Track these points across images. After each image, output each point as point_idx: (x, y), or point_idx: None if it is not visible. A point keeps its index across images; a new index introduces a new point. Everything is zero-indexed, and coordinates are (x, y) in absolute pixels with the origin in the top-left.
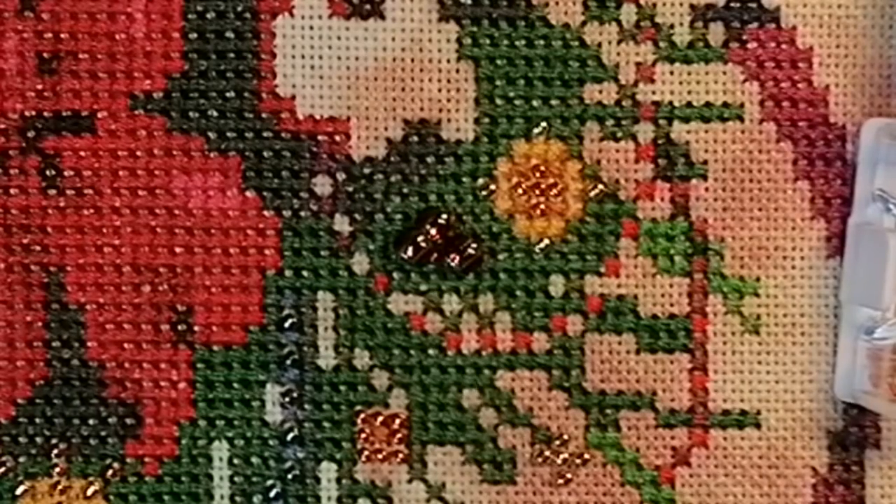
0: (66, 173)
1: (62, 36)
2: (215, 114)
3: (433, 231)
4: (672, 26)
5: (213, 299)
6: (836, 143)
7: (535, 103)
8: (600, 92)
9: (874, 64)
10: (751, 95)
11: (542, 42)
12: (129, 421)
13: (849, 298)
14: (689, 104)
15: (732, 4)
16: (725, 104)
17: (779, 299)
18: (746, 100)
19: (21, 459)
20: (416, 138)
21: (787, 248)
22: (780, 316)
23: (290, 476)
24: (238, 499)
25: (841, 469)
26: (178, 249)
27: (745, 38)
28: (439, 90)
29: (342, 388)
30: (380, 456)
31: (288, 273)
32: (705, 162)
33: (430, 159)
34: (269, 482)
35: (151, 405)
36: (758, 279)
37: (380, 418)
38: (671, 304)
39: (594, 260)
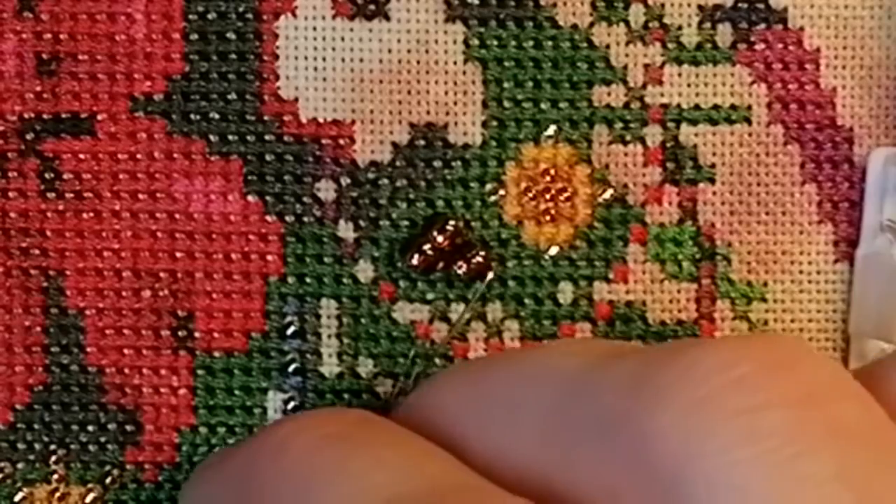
0: (65, 176)
1: (61, 37)
2: (217, 116)
3: (440, 238)
4: (680, 27)
5: (214, 305)
6: (843, 146)
7: (543, 106)
8: (609, 94)
9: (882, 65)
10: (758, 97)
11: (550, 43)
12: (128, 427)
13: (858, 331)
14: (696, 106)
15: (740, 5)
16: (733, 106)
17: (786, 304)
18: (754, 102)
19: (19, 465)
20: (422, 142)
21: (795, 253)
22: (788, 321)
23: None
24: None
25: None
26: (178, 254)
27: (752, 39)
28: (446, 93)
29: (345, 395)
30: None
31: (291, 279)
32: (713, 165)
33: (436, 164)
34: None
35: (151, 411)
36: (765, 284)
37: None
38: (679, 311)
39: (603, 266)
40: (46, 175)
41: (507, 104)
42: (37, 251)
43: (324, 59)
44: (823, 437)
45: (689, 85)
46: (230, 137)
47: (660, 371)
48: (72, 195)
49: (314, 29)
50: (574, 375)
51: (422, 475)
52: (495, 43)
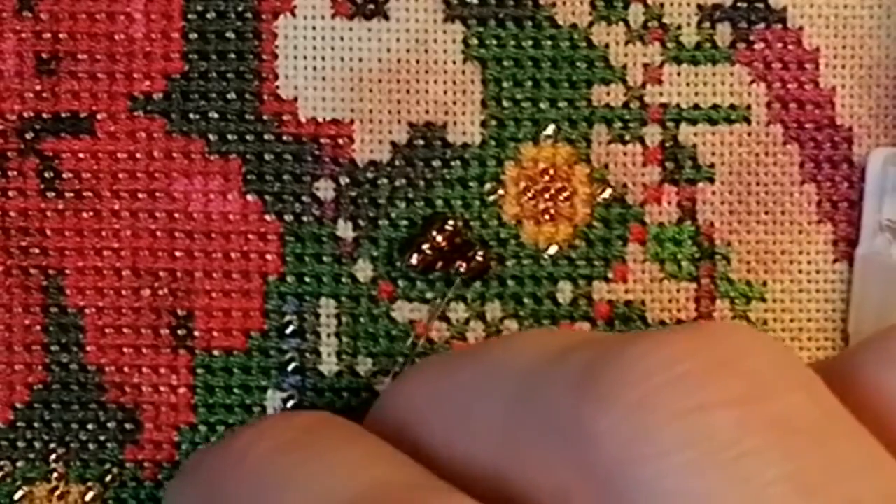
0: (64, 175)
1: (61, 36)
2: (216, 116)
3: (439, 238)
4: (679, 27)
5: (213, 304)
6: (842, 146)
7: (542, 105)
8: (608, 94)
9: (881, 65)
10: (757, 97)
11: (549, 43)
12: (128, 426)
13: (857, 331)
14: (696, 106)
15: (739, 4)
16: (732, 106)
17: (786, 304)
18: (753, 101)
19: (19, 464)
20: (421, 142)
21: (794, 252)
22: (787, 321)
23: None
24: None
25: None
26: (178, 253)
27: (751, 38)
28: (445, 92)
29: (344, 394)
30: None
31: (290, 279)
32: (712, 165)
33: (435, 163)
34: None
35: (151, 410)
36: (764, 284)
37: None
38: (678, 310)
39: (602, 266)
40: (46, 174)
41: (506, 104)
42: (36, 250)
43: (323, 59)
44: (768, 435)
45: (688, 84)
46: (229, 137)
47: (602, 370)
48: (71, 194)
49: (313, 28)
50: (526, 374)
51: (367, 476)
52: (494, 42)
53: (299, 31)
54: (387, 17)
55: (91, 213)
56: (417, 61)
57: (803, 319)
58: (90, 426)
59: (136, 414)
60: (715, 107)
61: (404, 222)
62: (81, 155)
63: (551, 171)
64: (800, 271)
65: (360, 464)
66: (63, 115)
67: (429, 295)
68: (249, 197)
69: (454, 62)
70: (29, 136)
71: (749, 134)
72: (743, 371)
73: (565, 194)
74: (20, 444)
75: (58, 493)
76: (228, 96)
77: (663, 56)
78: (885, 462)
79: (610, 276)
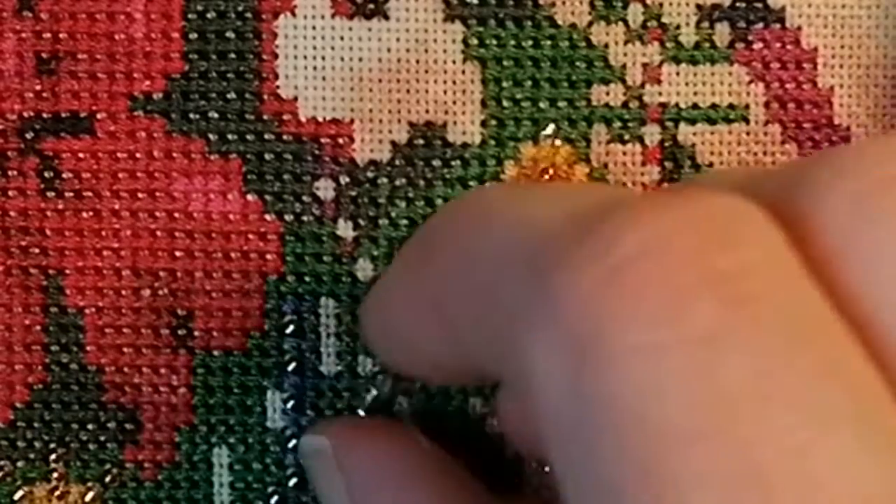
0: (64, 175)
1: (61, 36)
2: (216, 115)
3: None
4: (678, 26)
5: (213, 304)
6: (840, 145)
7: (542, 105)
8: (607, 93)
9: (879, 65)
10: (756, 97)
11: (548, 43)
12: (127, 426)
13: None
14: (695, 106)
15: (738, 4)
16: (731, 106)
17: None
18: (752, 101)
19: (19, 464)
20: (421, 141)
21: None
22: None
23: (291, 483)
24: None
25: None
26: (178, 253)
27: (750, 38)
28: (445, 92)
29: (345, 394)
30: None
31: (290, 278)
32: (711, 164)
33: (435, 163)
34: (270, 489)
35: (150, 410)
36: None
37: None
38: None
39: None
40: (46, 174)
41: (505, 103)
42: (36, 250)
43: (323, 59)
44: None
45: (687, 84)
46: (229, 136)
47: (815, 170)
48: (71, 194)
49: (313, 28)
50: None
51: (596, 197)
52: (494, 42)
53: (299, 31)
54: (387, 17)
55: (91, 213)
56: (417, 61)
57: None
58: (90, 426)
59: (136, 414)
60: (714, 106)
61: (404, 222)
62: (81, 155)
63: (551, 171)
64: None
65: (586, 190)
66: (63, 114)
67: None
68: (249, 197)
69: (454, 62)
70: (29, 135)
71: (747, 133)
72: None
73: None
74: (20, 443)
75: (58, 493)
76: (228, 96)
77: (662, 56)
78: None
79: None
